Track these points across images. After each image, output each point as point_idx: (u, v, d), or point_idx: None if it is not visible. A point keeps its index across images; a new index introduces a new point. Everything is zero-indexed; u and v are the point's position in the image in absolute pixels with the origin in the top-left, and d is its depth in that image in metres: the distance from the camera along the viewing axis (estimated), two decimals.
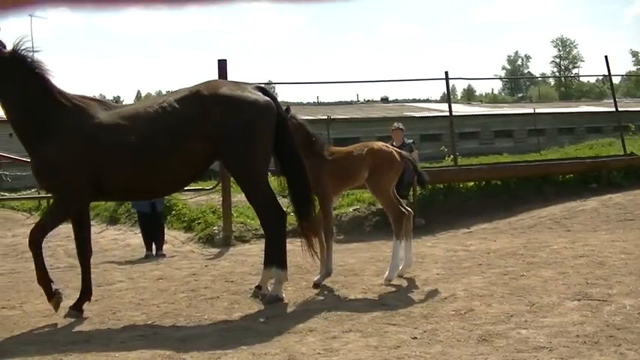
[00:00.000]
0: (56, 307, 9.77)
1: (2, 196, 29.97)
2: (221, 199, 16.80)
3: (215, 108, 9.64)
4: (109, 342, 8.36)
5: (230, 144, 9.73)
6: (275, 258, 10.14)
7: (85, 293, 10.16)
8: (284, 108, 10.64)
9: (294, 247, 11.56)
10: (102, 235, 19.24)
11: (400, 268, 11.00)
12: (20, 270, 14.70)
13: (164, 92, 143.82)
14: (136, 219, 18.12)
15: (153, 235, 15.44)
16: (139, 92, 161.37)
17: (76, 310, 9.87)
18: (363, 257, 12.98)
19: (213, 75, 16.59)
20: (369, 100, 77.43)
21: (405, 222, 11.00)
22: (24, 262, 15.88)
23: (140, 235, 16.02)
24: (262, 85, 10.58)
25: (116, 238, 18.37)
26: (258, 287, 10.40)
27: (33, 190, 33.33)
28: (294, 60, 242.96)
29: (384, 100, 76.50)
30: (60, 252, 16.96)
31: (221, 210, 16.64)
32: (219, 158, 10.18)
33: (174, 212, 17.97)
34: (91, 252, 10.50)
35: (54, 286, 9.84)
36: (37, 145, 9.57)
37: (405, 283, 10.64)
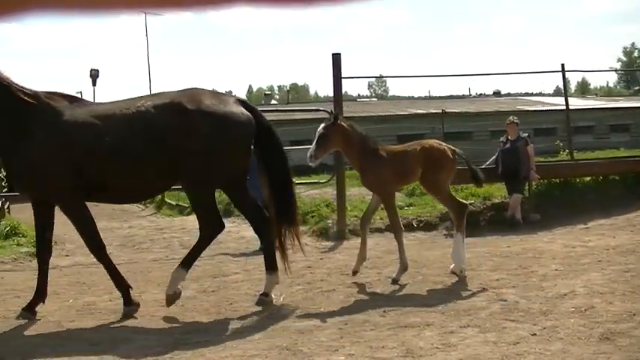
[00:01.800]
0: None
1: None
2: (335, 192, 16.82)
3: (196, 121, 9.50)
4: (226, 332, 8.46)
5: (211, 160, 9.57)
6: (186, 258, 10.24)
7: (40, 295, 10.01)
8: (333, 116, 10.79)
9: (409, 241, 11.52)
10: None
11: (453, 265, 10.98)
12: (137, 260, 14.98)
13: (276, 87, 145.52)
14: None
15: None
16: (250, 87, 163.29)
17: (29, 311, 9.83)
18: (479, 252, 12.82)
19: (328, 69, 16.63)
20: (481, 94, 76.57)
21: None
22: (140, 252, 16.20)
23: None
24: (240, 98, 10.58)
25: (230, 230, 18.51)
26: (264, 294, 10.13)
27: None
28: (404, 54, 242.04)
29: (497, 93, 75.54)
30: (175, 243, 17.22)
31: (335, 203, 16.66)
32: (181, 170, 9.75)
33: None
34: (50, 253, 10.43)
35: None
36: (13, 148, 9.34)
37: (522, 279, 10.48)
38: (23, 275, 13.47)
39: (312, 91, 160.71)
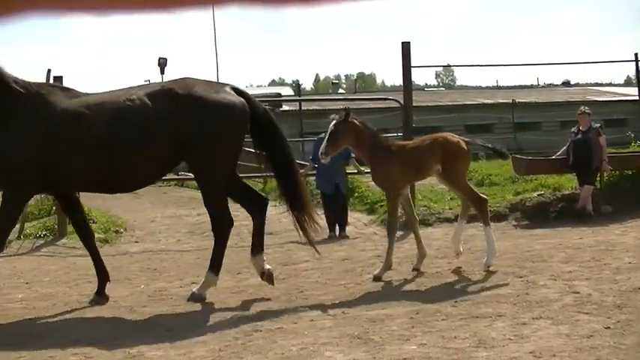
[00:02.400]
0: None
1: (186, 176, 30.87)
2: None
3: (189, 109, 9.58)
4: (297, 320, 8.50)
5: (203, 147, 9.67)
6: (212, 262, 10.08)
7: (102, 278, 10.16)
8: (344, 112, 10.82)
9: (479, 232, 11.45)
10: (285, 215, 19.51)
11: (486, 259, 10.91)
12: (206, 247, 15.08)
13: (343, 77, 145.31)
14: (318, 200, 18.29)
15: (336, 217, 15.57)
16: (317, 76, 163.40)
17: (100, 295, 10.01)
18: (550, 243, 12.70)
19: (395, 58, 16.59)
20: (549, 84, 75.56)
21: (467, 207, 11.34)
22: (209, 240, 16.30)
23: (323, 215, 16.16)
24: (235, 86, 10.49)
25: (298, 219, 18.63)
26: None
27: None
28: (471, 43, 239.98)
29: (566, 83, 74.50)
30: (244, 231, 17.30)
31: None
32: (185, 159, 10.05)
33: (357, 194, 18.08)
34: (91, 235, 10.50)
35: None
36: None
37: (595, 271, 10.35)
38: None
39: (378, 80, 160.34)
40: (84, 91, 10.17)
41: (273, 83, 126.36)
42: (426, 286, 10.01)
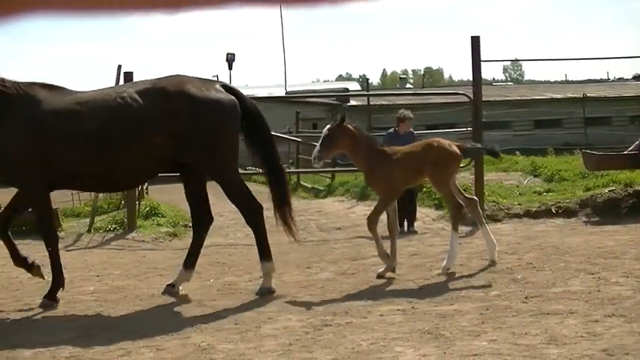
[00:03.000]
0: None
1: (253, 170, 31.03)
2: (473, 177, 16.68)
3: (182, 106, 9.66)
4: (367, 315, 8.49)
5: (200, 145, 9.79)
6: (260, 251, 10.20)
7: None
8: (339, 117, 10.87)
9: (549, 227, 11.34)
10: (352, 210, 19.57)
11: (489, 253, 11.12)
12: (274, 243, 15.13)
13: (410, 71, 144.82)
14: None
15: (405, 212, 15.50)
16: (384, 71, 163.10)
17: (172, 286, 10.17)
18: (622, 240, 12.52)
19: (464, 52, 16.48)
20: (620, 78, 74.30)
21: (475, 208, 11.30)
22: (277, 234, 16.36)
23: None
24: (226, 83, 10.57)
25: (367, 213, 18.56)
26: (171, 285, 10.23)
27: (284, 166, 34.28)
28: (539, 37, 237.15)
29: (637, 77, 73.21)
30: (312, 226, 17.39)
31: (473, 188, 16.50)
32: (184, 159, 9.99)
33: (425, 190, 17.99)
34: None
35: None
36: None
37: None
38: (163, 254, 13.85)
39: (446, 75, 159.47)
40: (76, 90, 10.25)
41: (340, 78, 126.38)
42: (496, 282, 9.92)
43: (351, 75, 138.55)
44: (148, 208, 17.27)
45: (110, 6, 1.51)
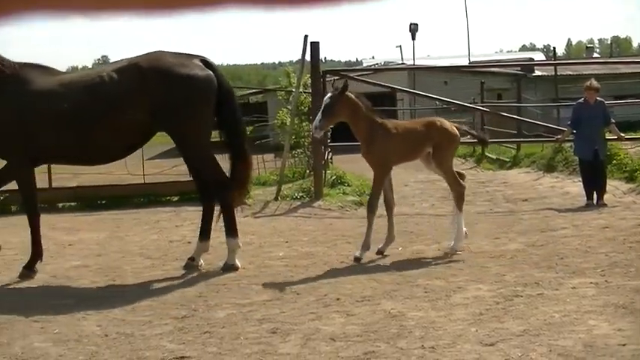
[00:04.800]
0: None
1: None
2: None
3: (154, 81, 9.86)
4: (558, 287, 8.35)
5: (172, 119, 10.01)
6: (227, 228, 10.28)
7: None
8: (342, 84, 10.57)
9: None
10: (539, 182, 19.27)
11: (454, 242, 10.73)
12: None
13: (596, 40, 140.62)
14: (573, 167, 17.90)
15: (594, 184, 15.11)
16: (569, 40, 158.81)
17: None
18: None
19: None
20: None
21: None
22: (466, 205, 16.31)
23: (580, 183, 15.76)
24: (205, 58, 10.57)
25: (554, 185, 18.28)
26: (191, 258, 10.40)
27: (467, 137, 33.98)
28: None
29: None
30: (498, 197, 17.23)
31: None
32: (162, 130, 10.33)
33: (615, 162, 17.48)
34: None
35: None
36: None
37: None
38: (350, 222, 13.99)
39: (634, 44, 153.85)
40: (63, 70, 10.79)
41: (523, 48, 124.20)
42: None
43: (534, 45, 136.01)
44: (333, 177, 17.51)
45: (112, 6, 1.52)
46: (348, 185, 17.38)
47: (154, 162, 28.86)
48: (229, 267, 10.13)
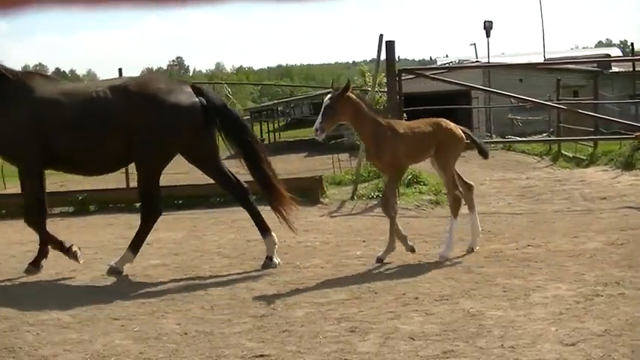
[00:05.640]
0: None
1: (513, 139, 30.68)
2: None
3: (138, 106, 10.21)
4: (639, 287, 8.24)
5: (140, 142, 10.27)
6: (132, 242, 10.57)
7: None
8: (344, 86, 10.33)
9: None
10: (617, 180, 18.97)
11: (470, 240, 10.79)
12: (537, 211, 15.02)
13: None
14: None
15: None
16: None
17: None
18: None
19: None
20: None
21: (471, 195, 10.90)
22: (540, 203, 16.20)
23: None
24: (197, 85, 11.19)
25: (633, 183, 17.98)
26: (269, 257, 10.56)
27: (543, 135, 33.73)
28: None
29: None
30: (575, 195, 17.05)
31: None
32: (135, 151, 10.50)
33: None
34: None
35: None
36: None
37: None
38: (427, 221, 13.99)
39: None
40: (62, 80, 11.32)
41: (599, 44, 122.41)
42: None
43: (611, 41, 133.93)
44: (409, 177, 17.48)
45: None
46: (424, 184, 17.35)
47: (232, 162, 29.18)
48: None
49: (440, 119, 11.06)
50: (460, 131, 10.74)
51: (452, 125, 10.75)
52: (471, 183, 11.13)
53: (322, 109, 10.23)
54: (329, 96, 10.30)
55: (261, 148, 11.36)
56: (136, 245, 10.62)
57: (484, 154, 11.41)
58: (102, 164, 10.87)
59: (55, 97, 10.44)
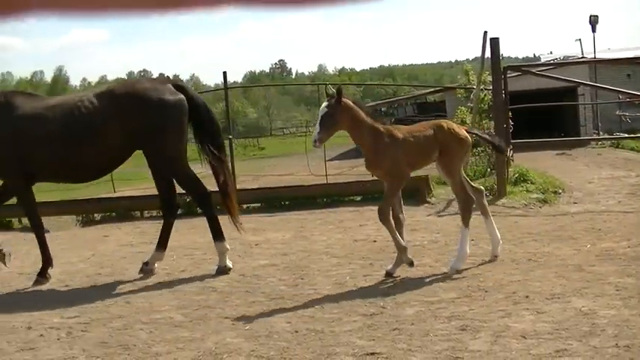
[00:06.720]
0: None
1: (621, 136, 30.06)
2: None
3: (129, 106, 10.72)
4: None
5: (147, 139, 10.84)
6: (214, 233, 11.06)
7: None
8: (336, 93, 9.72)
9: None
10: None
11: (491, 248, 10.48)
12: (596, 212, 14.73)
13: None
14: None
15: None
16: None
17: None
18: None
19: None
20: None
21: (482, 201, 10.51)
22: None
23: None
24: (179, 83, 11.86)
25: None
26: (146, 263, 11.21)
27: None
28: None
29: None
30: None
31: None
32: (139, 149, 11.11)
33: None
34: None
35: None
36: None
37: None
38: (535, 220, 13.84)
39: None
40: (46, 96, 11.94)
41: None
42: None
43: None
44: (516, 175, 17.33)
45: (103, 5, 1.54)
46: (532, 183, 17.16)
47: (334, 163, 29.29)
48: (221, 269, 10.86)
49: (441, 120, 10.80)
50: (464, 132, 10.37)
51: (454, 126, 10.45)
52: (481, 188, 10.88)
53: (319, 119, 9.80)
54: (325, 104, 9.83)
55: (223, 150, 11.82)
56: (218, 233, 11.06)
57: (500, 150, 11.33)
58: (101, 167, 11.32)
59: (36, 112, 10.88)
